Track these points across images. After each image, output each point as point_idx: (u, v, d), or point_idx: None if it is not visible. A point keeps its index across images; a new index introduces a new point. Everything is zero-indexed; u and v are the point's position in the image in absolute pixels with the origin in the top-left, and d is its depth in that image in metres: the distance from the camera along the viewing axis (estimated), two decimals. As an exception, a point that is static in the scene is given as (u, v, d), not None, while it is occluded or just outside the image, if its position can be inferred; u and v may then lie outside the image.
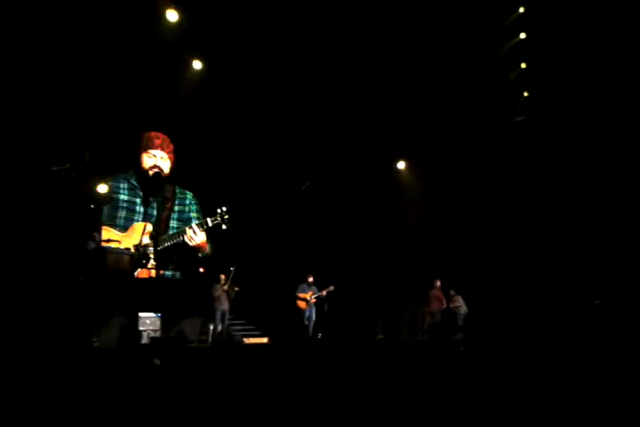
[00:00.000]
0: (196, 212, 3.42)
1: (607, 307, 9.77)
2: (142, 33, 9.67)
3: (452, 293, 13.02)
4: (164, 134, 3.33)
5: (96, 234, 3.00)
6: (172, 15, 9.57)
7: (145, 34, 9.72)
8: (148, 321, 3.01)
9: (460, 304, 12.90)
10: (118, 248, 3.00)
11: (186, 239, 3.08)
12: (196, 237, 3.09)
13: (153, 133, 3.29)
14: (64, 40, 9.03)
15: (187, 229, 3.09)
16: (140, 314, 2.97)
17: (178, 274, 3.28)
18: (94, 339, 2.82)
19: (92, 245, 2.98)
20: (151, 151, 3.22)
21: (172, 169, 3.31)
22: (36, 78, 9.03)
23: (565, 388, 2.54)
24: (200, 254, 3.27)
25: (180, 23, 9.81)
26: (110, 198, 3.19)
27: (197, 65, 10.62)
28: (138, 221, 3.15)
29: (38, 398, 1.96)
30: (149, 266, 2.97)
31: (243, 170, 12.87)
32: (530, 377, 2.70)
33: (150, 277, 2.94)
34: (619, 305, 9.52)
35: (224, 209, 3.12)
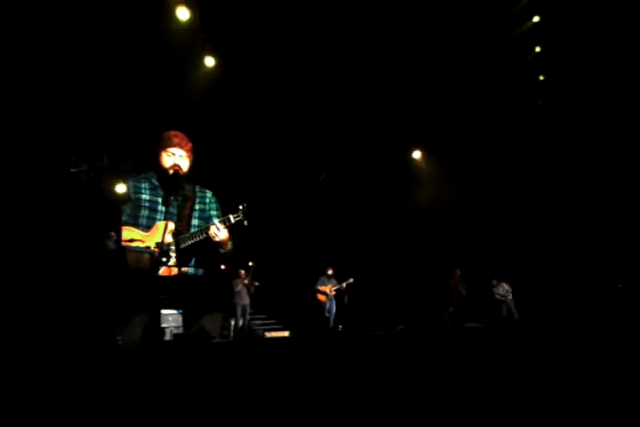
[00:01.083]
0: (216, 210, 3.46)
1: (631, 290, 9.68)
2: (156, 32, 9.72)
3: (495, 282, 12.73)
4: (182, 133, 3.36)
5: (113, 233, 3.04)
6: (183, 12, 9.61)
7: (159, 33, 9.77)
8: (171, 318, 3.05)
9: (505, 293, 12.56)
10: (138, 247, 3.03)
11: (211, 234, 3.11)
12: (219, 233, 3.13)
13: (171, 132, 3.32)
14: (79, 39, 9.12)
15: (210, 225, 3.13)
16: (162, 311, 3.01)
17: (200, 271, 3.31)
18: (118, 337, 2.86)
19: (111, 244, 3.03)
20: (170, 150, 3.25)
21: (190, 167, 3.34)
22: (52, 78, 9.14)
23: (590, 374, 2.53)
24: (222, 251, 3.31)
25: (191, 20, 9.85)
26: (129, 198, 3.23)
27: (210, 62, 10.62)
28: (160, 220, 3.19)
29: (62, 396, 2.00)
30: (171, 264, 3.01)
31: (258, 165, 12.91)
32: (554, 365, 2.68)
33: (171, 275, 2.97)
34: None
35: (245, 205, 3.16)
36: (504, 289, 12.56)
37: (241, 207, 3.18)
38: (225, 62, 10.80)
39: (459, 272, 12.70)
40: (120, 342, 2.83)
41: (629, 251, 11.44)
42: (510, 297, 12.46)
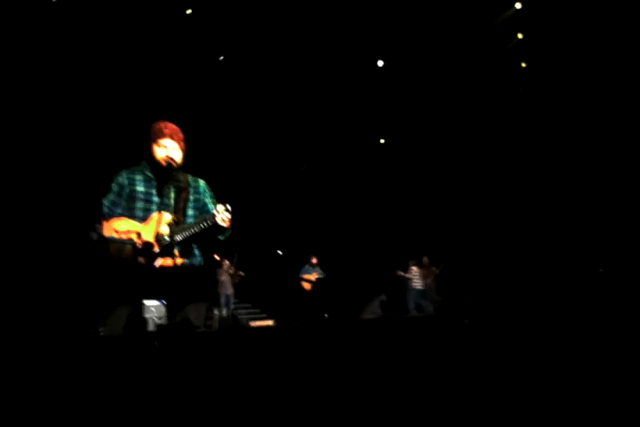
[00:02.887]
0: (210, 197, 3.47)
1: (611, 275, 9.79)
2: (141, 24, 9.62)
3: (411, 263, 12.25)
4: (172, 123, 3.34)
5: (98, 225, 3.02)
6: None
7: (145, 25, 9.66)
8: (154, 309, 3.04)
9: (415, 278, 12.03)
10: (120, 238, 3.01)
11: (218, 221, 3.08)
12: (226, 218, 3.11)
13: (162, 124, 3.29)
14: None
15: (215, 212, 3.10)
16: (145, 302, 3.00)
17: (197, 261, 3.29)
18: (100, 329, 2.84)
19: (94, 235, 3.00)
20: (161, 142, 3.23)
21: (183, 158, 3.32)
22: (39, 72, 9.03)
23: (570, 361, 2.56)
24: (222, 237, 3.32)
25: (185, 13, 9.80)
26: (108, 188, 3.21)
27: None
28: (155, 211, 3.17)
29: (47, 387, 1.99)
30: (165, 255, 2.99)
31: (242, 154, 12.87)
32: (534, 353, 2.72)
33: (153, 266, 2.96)
34: (623, 273, 9.54)
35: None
36: (414, 274, 12.13)
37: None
38: (209, 53, 10.74)
39: (425, 259, 12.61)
40: (103, 334, 2.81)
41: (610, 235, 11.58)
42: (418, 285, 12.03)
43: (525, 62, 13.31)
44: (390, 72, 12.61)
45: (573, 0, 10.95)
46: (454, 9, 11.48)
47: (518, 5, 12.05)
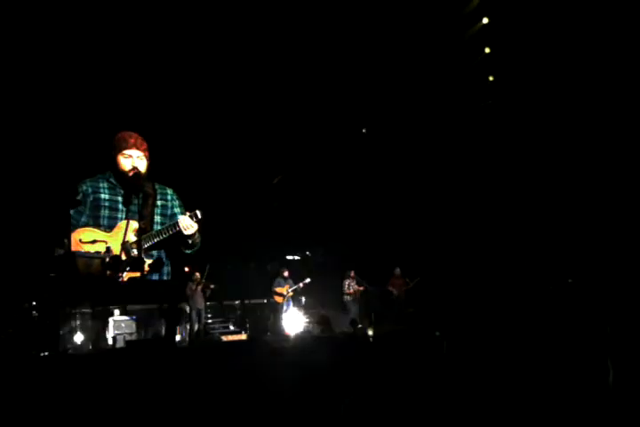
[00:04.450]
0: (179, 206, 3.45)
1: (580, 286, 9.91)
2: (104, 30, 9.48)
3: (352, 273, 12.28)
4: (136, 132, 3.31)
5: (65, 240, 2.96)
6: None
7: (109, 31, 9.53)
8: (124, 324, 2.98)
9: (352, 293, 12.04)
10: (88, 252, 2.95)
11: (181, 226, 3.06)
12: (194, 224, 3.10)
13: (126, 133, 3.27)
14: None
15: (181, 218, 3.08)
16: (115, 317, 2.94)
17: (164, 273, 3.25)
18: (68, 345, 2.77)
19: (60, 251, 2.94)
20: (126, 152, 3.20)
21: (148, 166, 3.30)
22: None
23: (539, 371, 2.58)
24: (191, 242, 3.27)
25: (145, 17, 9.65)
26: (79, 202, 3.15)
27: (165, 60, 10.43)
28: (122, 219, 3.13)
29: (15, 406, 1.93)
30: (142, 269, 2.94)
31: (213, 164, 12.77)
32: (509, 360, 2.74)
33: (121, 281, 2.90)
34: (592, 284, 9.67)
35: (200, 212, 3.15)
36: (355, 285, 12.15)
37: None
38: (175, 59, 10.61)
39: (398, 270, 12.69)
40: (70, 351, 2.74)
41: (579, 246, 11.74)
42: (354, 303, 12.05)
43: (493, 76, 13.55)
44: (357, 84, 12.69)
45: (540, 14, 11.19)
46: (422, 23, 11.64)
47: (485, 20, 12.30)
